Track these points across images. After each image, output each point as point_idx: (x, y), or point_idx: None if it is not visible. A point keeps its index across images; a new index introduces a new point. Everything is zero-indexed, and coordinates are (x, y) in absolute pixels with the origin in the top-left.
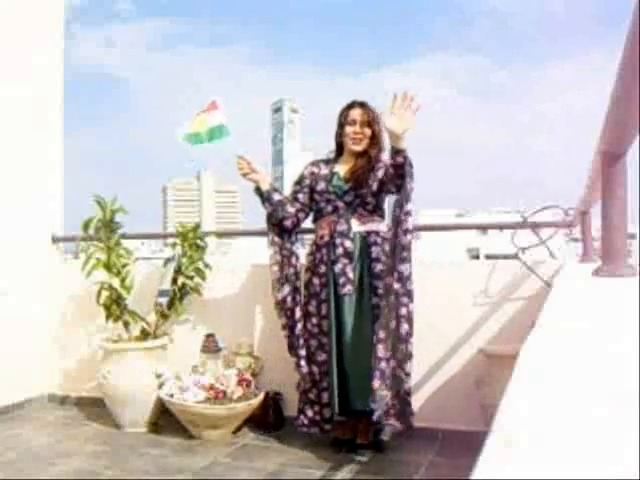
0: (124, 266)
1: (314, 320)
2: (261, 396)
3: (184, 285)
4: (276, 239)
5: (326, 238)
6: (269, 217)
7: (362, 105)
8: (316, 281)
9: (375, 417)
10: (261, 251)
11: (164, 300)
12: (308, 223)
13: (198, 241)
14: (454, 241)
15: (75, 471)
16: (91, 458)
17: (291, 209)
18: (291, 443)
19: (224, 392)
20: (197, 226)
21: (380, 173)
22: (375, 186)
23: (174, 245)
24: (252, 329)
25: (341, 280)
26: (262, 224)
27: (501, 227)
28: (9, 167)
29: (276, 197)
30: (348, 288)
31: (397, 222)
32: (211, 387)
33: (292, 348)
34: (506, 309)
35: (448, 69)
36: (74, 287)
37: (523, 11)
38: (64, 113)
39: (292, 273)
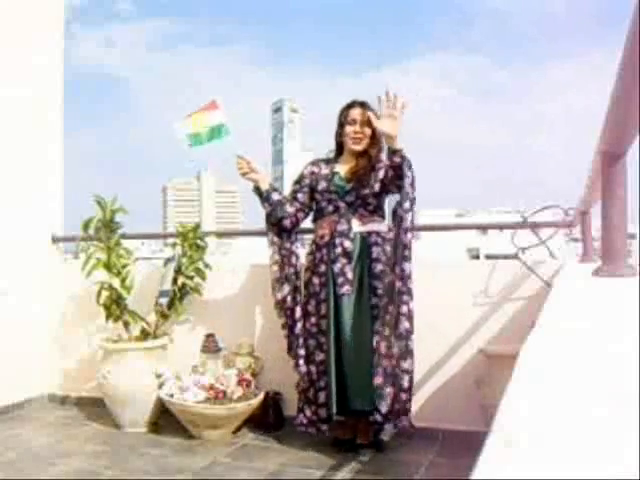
0: (124, 266)
1: (313, 320)
2: (261, 396)
3: (184, 285)
4: (275, 239)
5: (326, 238)
6: (268, 217)
7: (362, 105)
8: (316, 281)
9: (378, 416)
10: (261, 251)
11: (164, 300)
12: (308, 223)
13: (198, 241)
14: (454, 241)
15: (75, 471)
16: (91, 458)
17: (290, 209)
18: (291, 443)
19: (224, 392)
20: (197, 226)
21: (381, 173)
22: (377, 187)
23: (174, 245)
24: (252, 329)
25: (339, 280)
26: (262, 224)
27: (501, 227)
28: (9, 167)
29: (275, 197)
30: (346, 288)
31: (398, 221)
32: (211, 387)
33: (291, 348)
34: (506, 309)
35: (448, 69)
36: (74, 287)
37: (523, 11)
38: (64, 113)
39: (292, 273)
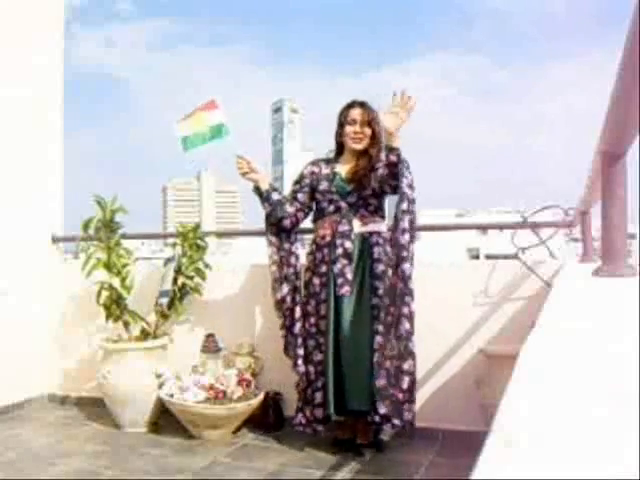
0: (124, 266)
1: (312, 320)
2: (261, 396)
3: (184, 285)
4: (274, 239)
5: (328, 238)
6: (268, 217)
7: (362, 105)
8: (316, 281)
9: (376, 416)
10: (261, 251)
11: (164, 300)
12: (308, 223)
13: (198, 241)
14: (454, 241)
15: (75, 471)
16: (91, 458)
17: (290, 209)
18: (291, 443)
19: (224, 392)
20: (197, 226)
21: (380, 172)
22: (378, 187)
23: (174, 245)
24: (252, 329)
25: (339, 281)
26: (262, 224)
27: (501, 227)
28: (9, 167)
29: (275, 197)
30: (346, 289)
31: (395, 222)
32: (211, 387)
33: (288, 348)
34: (506, 309)
35: (448, 69)
36: (74, 287)
37: (523, 11)
38: (64, 113)
39: (291, 273)
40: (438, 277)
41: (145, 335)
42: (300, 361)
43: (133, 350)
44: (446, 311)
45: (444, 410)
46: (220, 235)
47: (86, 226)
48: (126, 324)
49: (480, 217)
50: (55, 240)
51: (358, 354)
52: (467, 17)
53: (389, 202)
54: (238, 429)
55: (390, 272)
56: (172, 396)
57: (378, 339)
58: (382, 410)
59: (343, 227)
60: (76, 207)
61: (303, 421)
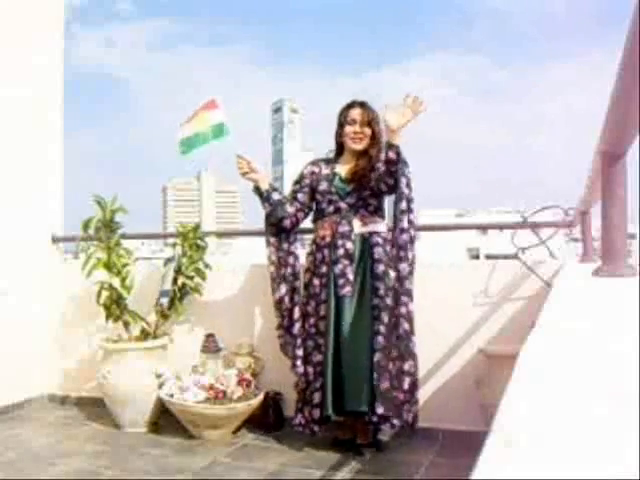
0: (124, 266)
1: (312, 320)
2: (261, 396)
3: (184, 285)
4: (273, 239)
5: (328, 239)
6: (268, 217)
7: (362, 105)
8: (316, 282)
9: (374, 417)
10: (261, 251)
11: (164, 300)
12: (308, 223)
13: (198, 241)
14: (454, 241)
15: (75, 471)
16: (91, 458)
17: (290, 209)
18: (291, 443)
19: (224, 392)
20: (197, 226)
21: (378, 169)
22: (375, 185)
23: (174, 245)
24: (252, 329)
25: (340, 281)
26: (262, 224)
27: (501, 227)
28: (9, 167)
29: (275, 197)
30: (347, 290)
31: (394, 221)
32: (211, 387)
33: (285, 348)
34: (506, 309)
35: (448, 69)
36: (74, 287)
37: (523, 11)
38: (64, 113)
39: (290, 273)
40: (438, 277)
41: (145, 335)
42: (299, 362)
43: (133, 350)
44: (446, 311)
45: (444, 410)
46: (220, 235)
47: (86, 226)
48: (126, 324)
49: (480, 217)
50: (55, 240)
51: (358, 355)
52: (467, 17)
53: (389, 202)
54: (238, 429)
55: (391, 272)
56: (172, 396)
57: (379, 340)
58: (380, 410)
59: (343, 228)
60: (76, 207)
61: (302, 421)
